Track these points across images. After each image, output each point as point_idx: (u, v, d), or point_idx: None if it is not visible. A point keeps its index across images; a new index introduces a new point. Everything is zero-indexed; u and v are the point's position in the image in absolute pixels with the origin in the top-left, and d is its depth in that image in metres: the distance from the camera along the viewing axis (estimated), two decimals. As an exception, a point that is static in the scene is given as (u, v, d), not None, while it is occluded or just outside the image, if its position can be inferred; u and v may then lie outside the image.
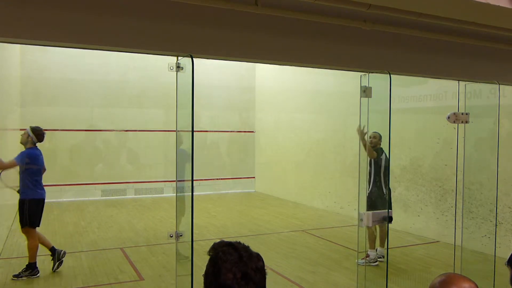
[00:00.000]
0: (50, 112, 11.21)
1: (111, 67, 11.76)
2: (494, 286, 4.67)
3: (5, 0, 2.85)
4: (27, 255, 5.62)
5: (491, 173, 5.03)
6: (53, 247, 5.80)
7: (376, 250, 6.05)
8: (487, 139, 5.12)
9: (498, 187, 5.06)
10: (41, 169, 5.72)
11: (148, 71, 11.74)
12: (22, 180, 5.62)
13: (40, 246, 5.68)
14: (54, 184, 11.05)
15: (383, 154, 5.80)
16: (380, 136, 6.15)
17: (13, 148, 9.41)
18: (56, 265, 5.75)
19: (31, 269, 5.59)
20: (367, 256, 5.93)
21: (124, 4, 3.21)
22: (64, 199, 11.07)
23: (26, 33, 2.95)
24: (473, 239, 5.26)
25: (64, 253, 5.83)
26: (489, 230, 5.73)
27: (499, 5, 3.34)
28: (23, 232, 5.62)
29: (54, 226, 8.43)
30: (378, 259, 5.95)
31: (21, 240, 7.26)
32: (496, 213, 5.92)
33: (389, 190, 5.70)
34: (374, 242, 6.07)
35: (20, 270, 5.59)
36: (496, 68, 4.97)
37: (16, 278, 5.49)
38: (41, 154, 5.73)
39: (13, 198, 9.63)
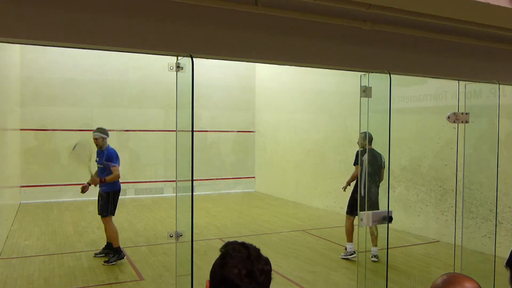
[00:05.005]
0: (50, 112, 11.20)
1: (111, 67, 11.75)
2: (494, 286, 4.67)
3: (4, 0, 2.84)
4: (108, 241, 6.18)
5: (491, 173, 5.03)
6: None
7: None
8: (487, 139, 5.11)
9: (498, 187, 5.06)
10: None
11: (148, 71, 11.75)
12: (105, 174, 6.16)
13: (40, 245, 5.71)
14: (54, 184, 11.07)
15: (374, 156, 5.24)
16: (366, 136, 5.14)
17: (13, 148, 9.42)
18: (104, 255, 6.10)
19: (118, 253, 6.02)
20: (345, 249, 6.52)
21: (124, 4, 3.21)
22: (64, 199, 11.06)
23: (26, 33, 2.94)
24: (473, 239, 5.26)
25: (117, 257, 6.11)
26: (489, 230, 5.73)
27: (499, 5, 3.34)
28: (106, 221, 6.17)
29: (54, 226, 8.43)
30: (371, 259, 5.93)
31: (21, 240, 7.27)
32: (496, 213, 5.92)
33: (373, 189, 5.10)
34: (351, 236, 6.44)
35: (109, 257, 6.00)
36: (496, 68, 4.97)
37: (107, 264, 5.92)
38: None
39: (14, 199, 9.64)
